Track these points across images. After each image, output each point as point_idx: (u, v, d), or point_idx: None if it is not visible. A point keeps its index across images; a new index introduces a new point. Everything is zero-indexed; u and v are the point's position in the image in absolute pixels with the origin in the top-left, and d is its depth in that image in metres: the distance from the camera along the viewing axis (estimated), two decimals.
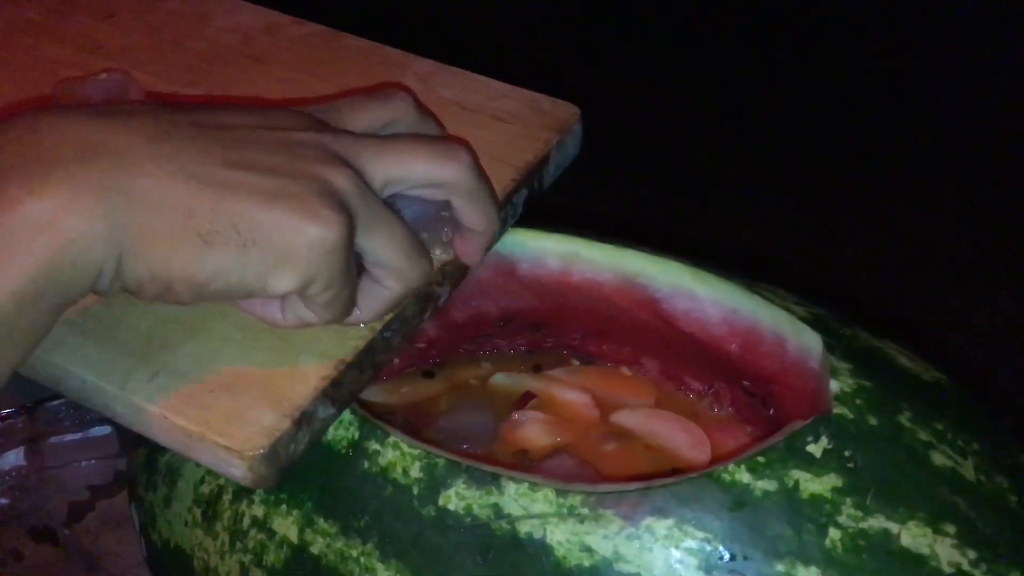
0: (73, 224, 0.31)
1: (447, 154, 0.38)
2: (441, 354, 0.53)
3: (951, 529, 0.35)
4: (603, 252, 0.46)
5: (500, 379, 0.51)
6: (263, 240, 0.33)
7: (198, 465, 0.40)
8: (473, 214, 0.39)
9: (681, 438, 0.47)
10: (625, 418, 0.49)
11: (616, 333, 0.50)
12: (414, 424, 0.48)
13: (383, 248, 0.36)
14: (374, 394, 0.50)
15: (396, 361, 0.50)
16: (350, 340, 0.39)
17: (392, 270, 0.37)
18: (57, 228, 0.31)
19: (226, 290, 0.34)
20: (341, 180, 0.34)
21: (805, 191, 0.85)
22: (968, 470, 0.37)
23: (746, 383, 0.47)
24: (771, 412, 0.46)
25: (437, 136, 0.41)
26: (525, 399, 0.50)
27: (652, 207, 0.83)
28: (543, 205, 0.48)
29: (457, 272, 0.43)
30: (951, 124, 0.90)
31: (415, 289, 0.39)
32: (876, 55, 0.98)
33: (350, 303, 0.37)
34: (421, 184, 0.38)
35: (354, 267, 0.36)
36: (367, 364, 0.39)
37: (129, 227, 0.32)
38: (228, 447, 0.35)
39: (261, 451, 0.35)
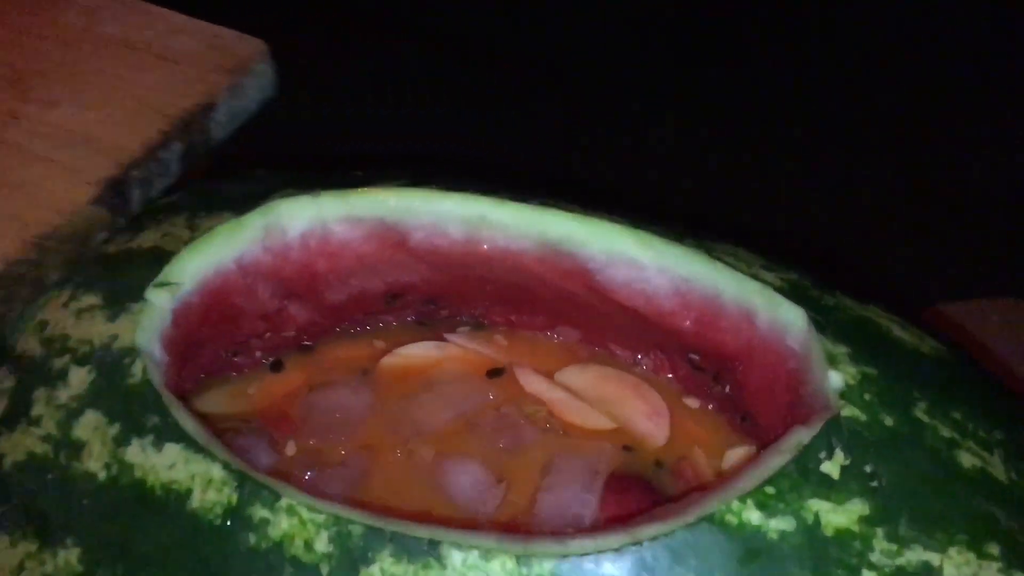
0: None
1: None
2: (312, 338, 0.43)
3: (995, 550, 0.29)
4: (519, 214, 0.37)
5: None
6: None
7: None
8: None
9: (637, 405, 0.40)
10: (573, 377, 0.41)
11: (532, 304, 0.42)
12: (273, 436, 0.39)
13: None
14: (216, 403, 0.40)
15: (237, 357, 0.41)
16: None
17: None
18: None
19: None
20: None
21: (759, 142, 0.74)
22: (997, 468, 0.31)
23: (694, 356, 0.39)
24: (727, 390, 0.39)
25: None
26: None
27: (578, 157, 0.68)
28: (437, 158, 0.38)
29: None
30: (892, 78, 0.83)
31: None
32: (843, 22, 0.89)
33: None
34: None
35: None
36: None
37: None
38: None
39: None
